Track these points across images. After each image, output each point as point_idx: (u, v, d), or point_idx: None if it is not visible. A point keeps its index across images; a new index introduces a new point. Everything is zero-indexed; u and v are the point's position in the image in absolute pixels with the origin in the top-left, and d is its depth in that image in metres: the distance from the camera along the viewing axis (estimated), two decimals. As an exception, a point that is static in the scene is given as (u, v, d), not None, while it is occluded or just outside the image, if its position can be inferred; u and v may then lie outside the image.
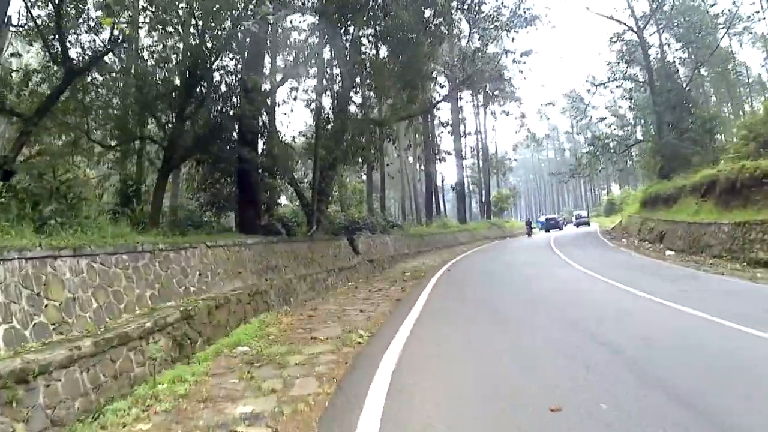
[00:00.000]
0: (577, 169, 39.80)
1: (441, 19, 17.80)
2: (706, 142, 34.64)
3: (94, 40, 11.46)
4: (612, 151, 38.56)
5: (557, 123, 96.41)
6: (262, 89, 14.25)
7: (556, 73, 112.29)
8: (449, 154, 41.84)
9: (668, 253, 20.50)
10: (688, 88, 36.43)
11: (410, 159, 49.85)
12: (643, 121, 40.09)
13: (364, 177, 32.74)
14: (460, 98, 42.56)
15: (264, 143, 16.89)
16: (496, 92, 45.83)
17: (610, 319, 7.75)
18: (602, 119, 43.91)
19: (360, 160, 20.28)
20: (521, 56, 35.22)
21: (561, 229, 51.95)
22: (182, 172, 18.15)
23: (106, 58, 11.77)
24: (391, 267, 19.32)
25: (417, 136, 40.08)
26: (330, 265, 14.49)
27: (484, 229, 43.54)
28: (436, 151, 37.81)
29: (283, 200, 24.80)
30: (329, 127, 17.81)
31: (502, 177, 58.83)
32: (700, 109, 37.74)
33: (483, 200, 53.73)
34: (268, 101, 16.57)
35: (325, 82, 18.13)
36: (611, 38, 37.37)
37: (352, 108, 19.61)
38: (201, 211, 16.56)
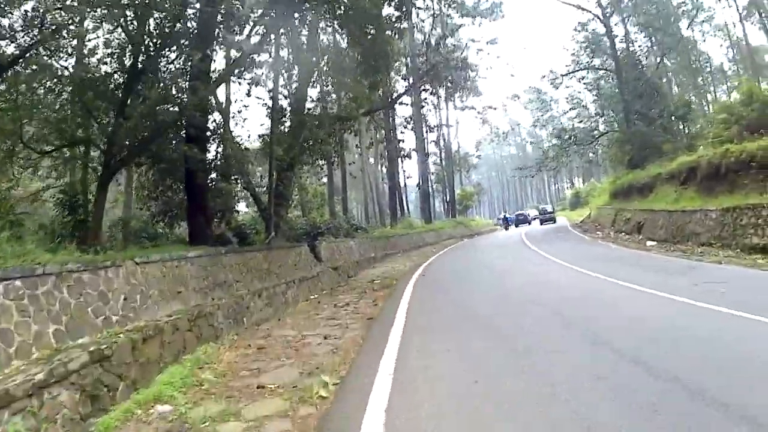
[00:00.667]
0: (544, 162, 39.17)
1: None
2: (675, 130, 34.49)
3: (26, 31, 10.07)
4: (578, 143, 38.06)
5: (519, 119, 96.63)
6: (211, 78, 12.68)
7: (522, 66, 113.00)
8: (414, 151, 40.52)
9: (649, 243, 19.99)
10: (653, 77, 36.09)
11: (371, 160, 48.80)
12: (610, 112, 39.74)
13: (325, 180, 31.44)
14: (425, 89, 41.32)
15: (217, 144, 15.68)
16: (460, 85, 45.11)
17: (637, 330, 6.36)
18: (567, 111, 43.41)
19: (320, 158, 19.16)
20: (487, 44, 34.34)
21: (530, 223, 51.57)
22: (134, 179, 16.67)
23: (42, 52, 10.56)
24: (357, 274, 17.90)
25: (378, 134, 39.02)
26: (289, 276, 12.99)
27: (450, 228, 42.53)
28: (399, 149, 36.31)
29: (243, 207, 23.31)
30: (286, 123, 16.69)
31: (465, 174, 58.00)
32: (667, 98, 37.49)
33: (447, 199, 52.76)
34: (221, 98, 15.12)
35: (282, 78, 16.88)
36: (575, 28, 36.89)
37: (310, 103, 18.30)
38: (153, 221, 15.08)
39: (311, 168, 23.15)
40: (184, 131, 12.91)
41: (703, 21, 39.86)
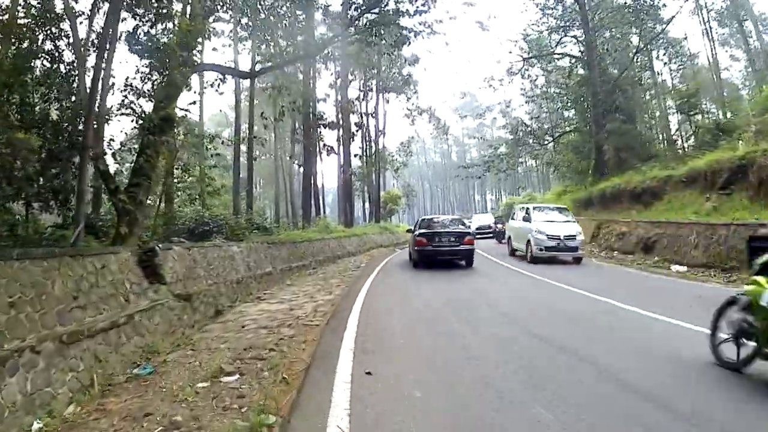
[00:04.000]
0: (494, 162, 32.49)
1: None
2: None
3: None
4: (536, 140, 31.99)
5: (450, 125, 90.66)
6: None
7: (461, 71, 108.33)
8: (335, 150, 32.61)
9: (677, 268, 14.61)
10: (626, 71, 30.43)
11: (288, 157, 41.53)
12: (571, 112, 34.12)
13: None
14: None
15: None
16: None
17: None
18: (522, 104, 37.14)
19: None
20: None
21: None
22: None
23: None
24: (223, 318, 9.43)
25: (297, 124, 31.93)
26: (46, 326, 5.08)
27: (375, 233, 35.09)
28: (318, 139, 28.19)
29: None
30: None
31: (394, 174, 50.65)
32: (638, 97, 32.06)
33: (370, 199, 45.40)
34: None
35: None
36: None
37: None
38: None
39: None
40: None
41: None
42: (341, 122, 31.06)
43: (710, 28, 37.25)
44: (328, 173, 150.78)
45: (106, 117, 15.15)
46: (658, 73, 36.12)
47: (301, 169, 34.88)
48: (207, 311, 9.43)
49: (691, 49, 36.69)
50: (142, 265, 8.55)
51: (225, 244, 12.25)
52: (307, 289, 12.94)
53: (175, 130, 17.39)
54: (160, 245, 9.10)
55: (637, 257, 17.53)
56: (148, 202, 17.06)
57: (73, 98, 11.98)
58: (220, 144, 19.85)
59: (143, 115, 13.26)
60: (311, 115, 25.36)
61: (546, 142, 33.27)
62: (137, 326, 6.99)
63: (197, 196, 18.91)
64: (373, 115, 42.98)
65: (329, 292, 12.02)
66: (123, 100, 16.16)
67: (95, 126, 13.61)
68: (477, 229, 33.59)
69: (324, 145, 24.50)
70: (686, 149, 27.22)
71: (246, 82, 28.08)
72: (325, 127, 23.99)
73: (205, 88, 20.35)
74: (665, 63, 34.33)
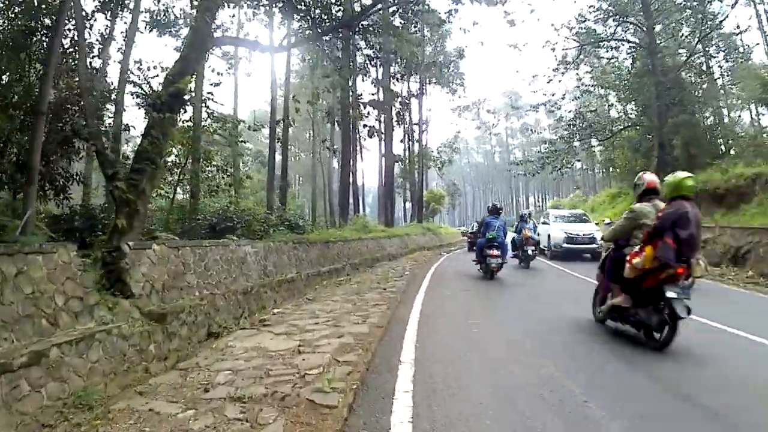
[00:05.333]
0: (549, 158, 29.22)
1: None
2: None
3: None
4: (594, 134, 28.95)
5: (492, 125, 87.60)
6: None
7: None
8: (377, 132, 29.81)
9: None
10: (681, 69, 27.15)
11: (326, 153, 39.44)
12: (631, 105, 30.83)
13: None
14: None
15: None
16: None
17: None
18: (578, 97, 33.67)
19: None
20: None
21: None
22: None
23: None
24: (215, 345, 6.76)
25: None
26: None
27: (418, 234, 32.21)
28: (357, 118, 25.59)
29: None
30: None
31: (438, 172, 47.62)
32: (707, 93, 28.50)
33: (412, 198, 42.61)
34: None
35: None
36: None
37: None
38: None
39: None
40: None
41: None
42: (382, 110, 28.42)
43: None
44: (368, 173, 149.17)
45: (107, 94, 13.54)
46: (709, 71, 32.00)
47: (341, 164, 32.37)
48: (194, 334, 6.85)
49: (745, 44, 32.28)
50: (105, 270, 6.14)
51: (234, 242, 9.59)
52: (333, 308, 9.38)
53: (188, 109, 15.42)
54: (130, 243, 6.55)
55: (725, 270, 14.41)
56: (164, 192, 15.10)
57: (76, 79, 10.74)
58: (255, 137, 17.86)
59: (150, 93, 12.25)
60: (350, 97, 22.80)
61: (606, 137, 29.84)
62: (57, 365, 4.41)
63: (216, 188, 16.50)
64: (418, 103, 40.21)
65: (363, 319, 8.14)
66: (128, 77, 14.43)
67: (99, 107, 12.12)
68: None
69: (365, 125, 21.75)
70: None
71: (281, 76, 26.01)
72: (365, 107, 21.32)
73: (230, 65, 17.97)
74: (714, 56, 30.25)
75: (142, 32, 15.71)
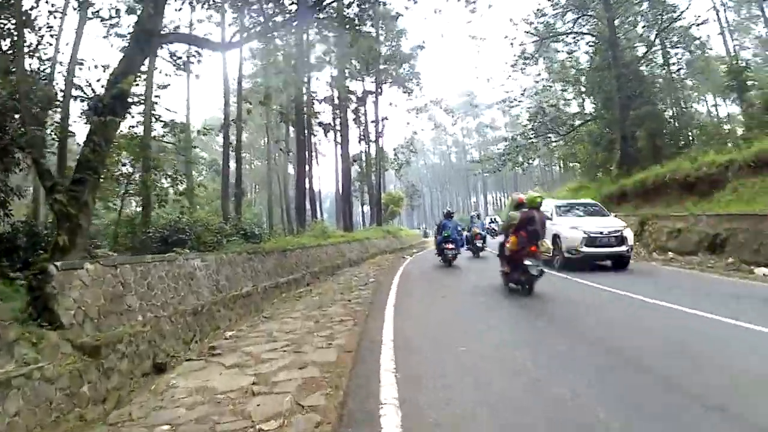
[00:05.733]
0: (509, 154, 29.16)
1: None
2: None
3: None
4: (554, 130, 28.96)
5: (448, 125, 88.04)
6: None
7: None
8: (333, 129, 29.09)
9: (764, 271, 11.90)
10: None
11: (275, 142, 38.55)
12: (590, 99, 31.04)
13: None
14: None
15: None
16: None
17: None
18: (544, 88, 33.70)
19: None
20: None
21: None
22: None
23: None
24: (156, 383, 5.82)
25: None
26: None
27: (378, 238, 31.48)
28: (311, 115, 24.89)
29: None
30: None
31: (396, 173, 47.05)
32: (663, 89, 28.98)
33: (371, 202, 41.91)
34: None
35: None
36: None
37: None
38: None
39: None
40: None
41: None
42: (338, 108, 27.77)
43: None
44: (325, 179, 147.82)
45: (50, 99, 12.71)
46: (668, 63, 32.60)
47: (296, 168, 31.62)
48: (137, 367, 5.99)
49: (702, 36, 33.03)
50: (31, 297, 5.38)
51: (181, 256, 8.74)
52: (293, 327, 8.36)
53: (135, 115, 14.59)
54: (57, 263, 5.73)
55: (702, 258, 14.34)
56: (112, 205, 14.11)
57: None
58: (210, 146, 17.21)
59: (92, 95, 11.39)
60: (304, 95, 22.11)
61: (566, 131, 29.92)
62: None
63: (164, 198, 15.56)
64: (374, 104, 39.73)
65: (328, 340, 7.12)
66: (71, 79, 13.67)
67: (39, 112, 11.59)
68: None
69: (320, 123, 21.15)
70: (735, 132, 24.03)
71: (235, 83, 25.12)
72: (320, 102, 20.77)
73: (178, 66, 17.00)
74: (674, 47, 30.77)
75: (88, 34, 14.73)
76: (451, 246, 18.07)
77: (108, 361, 5.46)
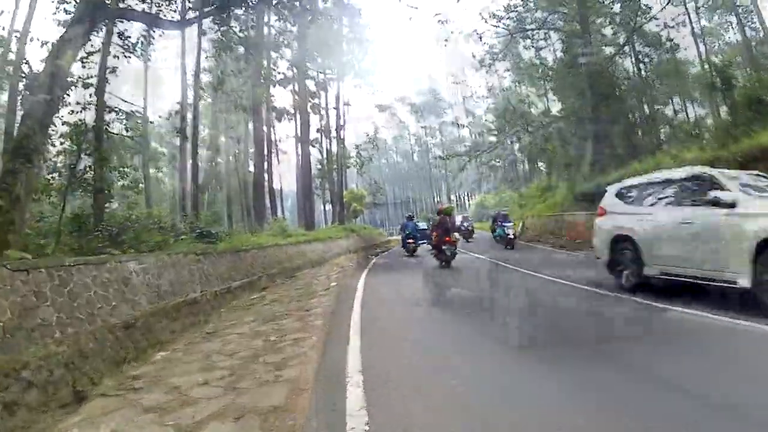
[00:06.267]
0: (478, 151, 28.74)
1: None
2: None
3: None
4: (526, 126, 28.53)
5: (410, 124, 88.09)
6: None
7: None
8: (288, 114, 28.07)
9: None
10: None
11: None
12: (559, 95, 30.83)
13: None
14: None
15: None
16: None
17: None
18: (515, 82, 33.52)
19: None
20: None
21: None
22: None
23: None
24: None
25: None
26: None
27: (341, 237, 30.39)
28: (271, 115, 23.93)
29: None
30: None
31: (359, 170, 46.16)
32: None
33: (332, 200, 41.00)
34: None
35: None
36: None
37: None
38: None
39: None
40: None
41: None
42: (296, 95, 26.77)
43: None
44: (286, 178, 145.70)
45: None
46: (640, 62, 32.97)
47: (254, 162, 30.60)
48: (51, 399, 4.83)
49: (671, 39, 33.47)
50: None
51: (113, 259, 7.55)
52: (236, 347, 6.58)
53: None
54: None
55: None
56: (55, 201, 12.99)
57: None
58: (172, 142, 16.77)
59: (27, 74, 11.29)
60: (261, 77, 21.19)
61: (536, 128, 29.59)
62: None
63: (109, 191, 14.32)
64: (335, 95, 38.75)
65: (277, 370, 5.24)
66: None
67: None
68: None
69: (274, 108, 20.40)
70: (714, 130, 24.19)
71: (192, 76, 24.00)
72: (275, 86, 20.00)
73: (128, 47, 15.87)
74: (646, 48, 31.04)
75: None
76: (411, 241, 24.67)
77: (9, 394, 4.36)
